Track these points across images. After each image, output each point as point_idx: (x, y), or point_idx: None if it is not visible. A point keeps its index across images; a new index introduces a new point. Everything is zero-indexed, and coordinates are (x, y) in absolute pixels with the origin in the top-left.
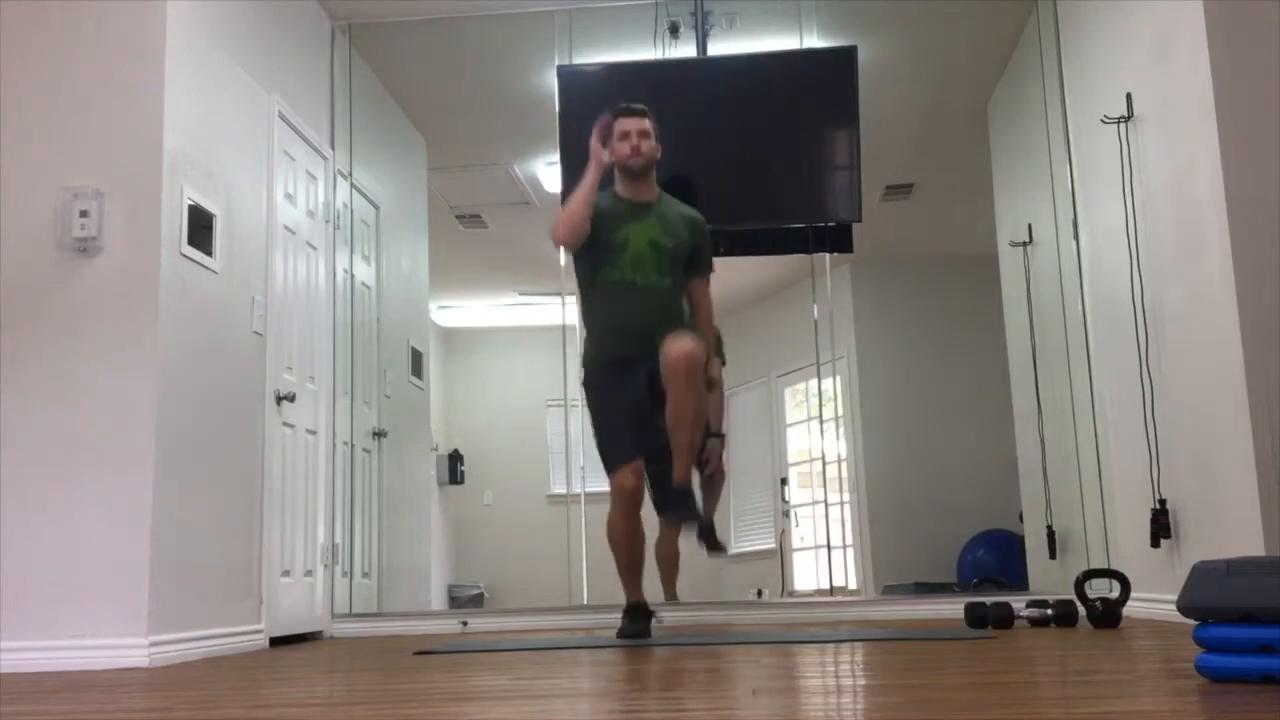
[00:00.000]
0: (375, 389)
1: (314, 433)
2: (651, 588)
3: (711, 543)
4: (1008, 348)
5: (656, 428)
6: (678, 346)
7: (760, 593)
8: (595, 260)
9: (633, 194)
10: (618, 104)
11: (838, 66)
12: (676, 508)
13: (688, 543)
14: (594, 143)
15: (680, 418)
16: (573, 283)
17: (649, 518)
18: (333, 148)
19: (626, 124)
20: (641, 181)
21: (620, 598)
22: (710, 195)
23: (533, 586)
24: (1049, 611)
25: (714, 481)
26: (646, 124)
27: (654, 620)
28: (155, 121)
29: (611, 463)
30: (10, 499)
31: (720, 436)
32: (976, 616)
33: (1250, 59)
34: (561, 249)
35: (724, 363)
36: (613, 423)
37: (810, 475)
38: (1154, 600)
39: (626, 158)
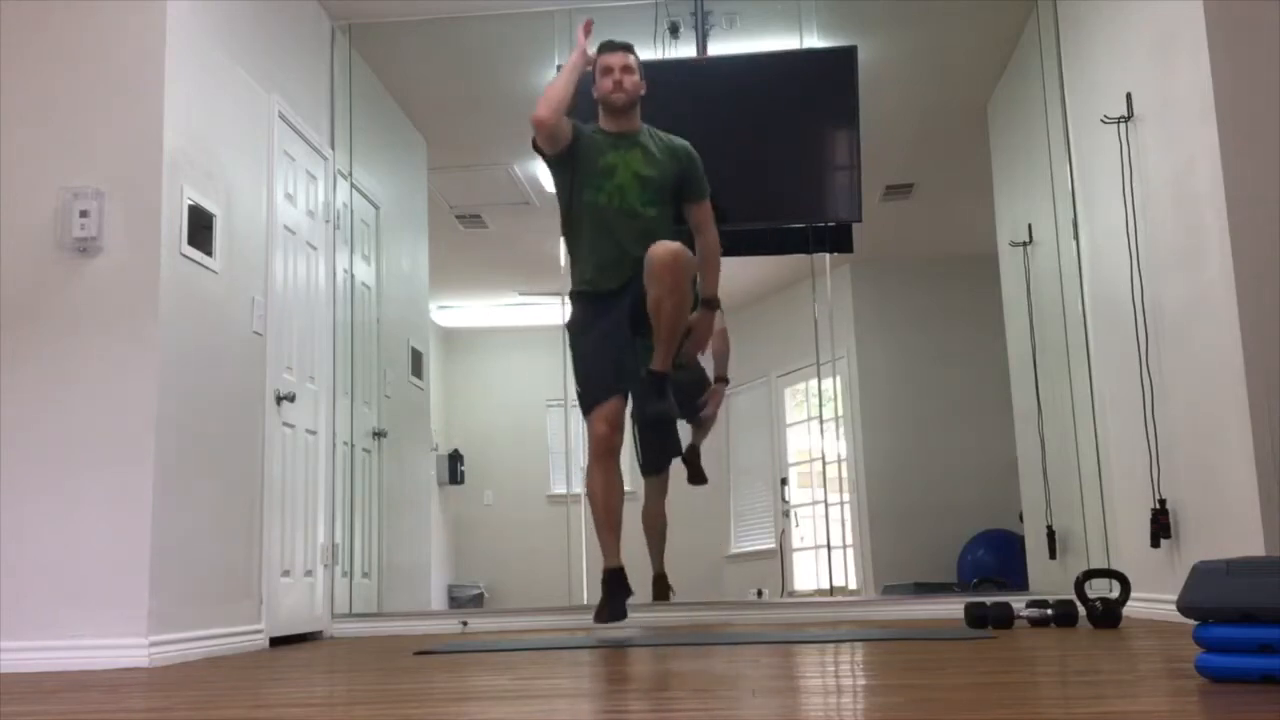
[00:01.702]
0: (375, 389)
1: (314, 433)
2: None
3: (694, 470)
4: (1008, 348)
5: (633, 370)
6: (664, 247)
7: (760, 593)
8: (577, 181)
9: (616, 127)
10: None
11: (838, 66)
12: (649, 397)
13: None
14: (579, 33)
15: (660, 308)
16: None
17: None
18: (333, 148)
19: (609, 59)
20: (625, 116)
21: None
22: (710, 195)
23: (533, 586)
24: (1049, 611)
25: (705, 422)
26: (630, 59)
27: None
28: (155, 121)
29: (586, 405)
30: (10, 499)
31: (725, 380)
32: (976, 616)
33: (1250, 59)
34: (539, 140)
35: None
36: (590, 364)
37: (810, 475)
38: (1154, 600)
39: (609, 92)
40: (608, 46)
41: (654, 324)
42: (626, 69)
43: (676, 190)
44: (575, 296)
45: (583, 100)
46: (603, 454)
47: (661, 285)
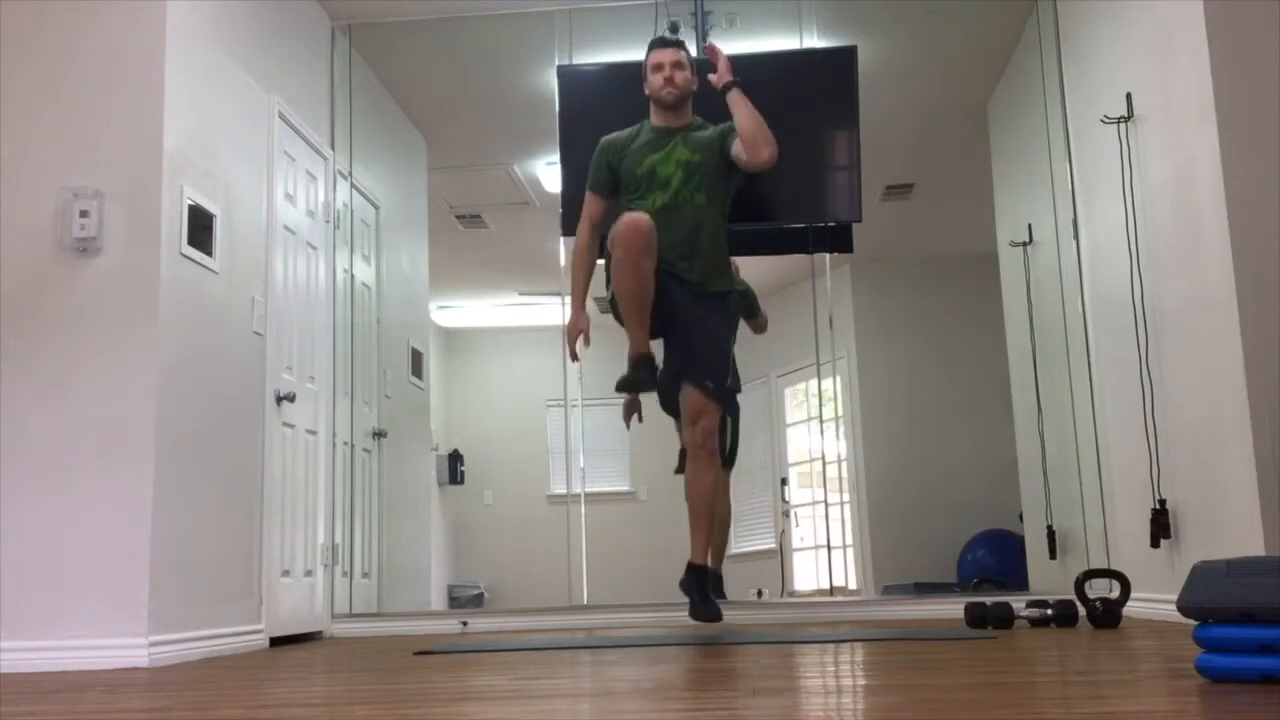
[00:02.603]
0: (375, 389)
1: (314, 433)
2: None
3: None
4: (1008, 348)
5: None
6: (696, 413)
7: (760, 593)
8: (626, 197)
9: (665, 122)
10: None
11: (838, 66)
12: (694, 597)
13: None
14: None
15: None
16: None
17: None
18: (333, 148)
19: (660, 55)
20: (676, 112)
21: (623, 596)
22: None
23: (533, 586)
24: (1049, 611)
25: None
26: (681, 55)
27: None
28: (155, 121)
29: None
30: (10, 499)
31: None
32: (976, 616)
33: (1250, 59)
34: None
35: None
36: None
37: (810, 475)
38: (1154, 600)
39: (660, 89)
40: (659, 43)
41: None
42: (677, 65)
43: (724, 170)
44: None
45: (633, 98)
46: (634, 242)
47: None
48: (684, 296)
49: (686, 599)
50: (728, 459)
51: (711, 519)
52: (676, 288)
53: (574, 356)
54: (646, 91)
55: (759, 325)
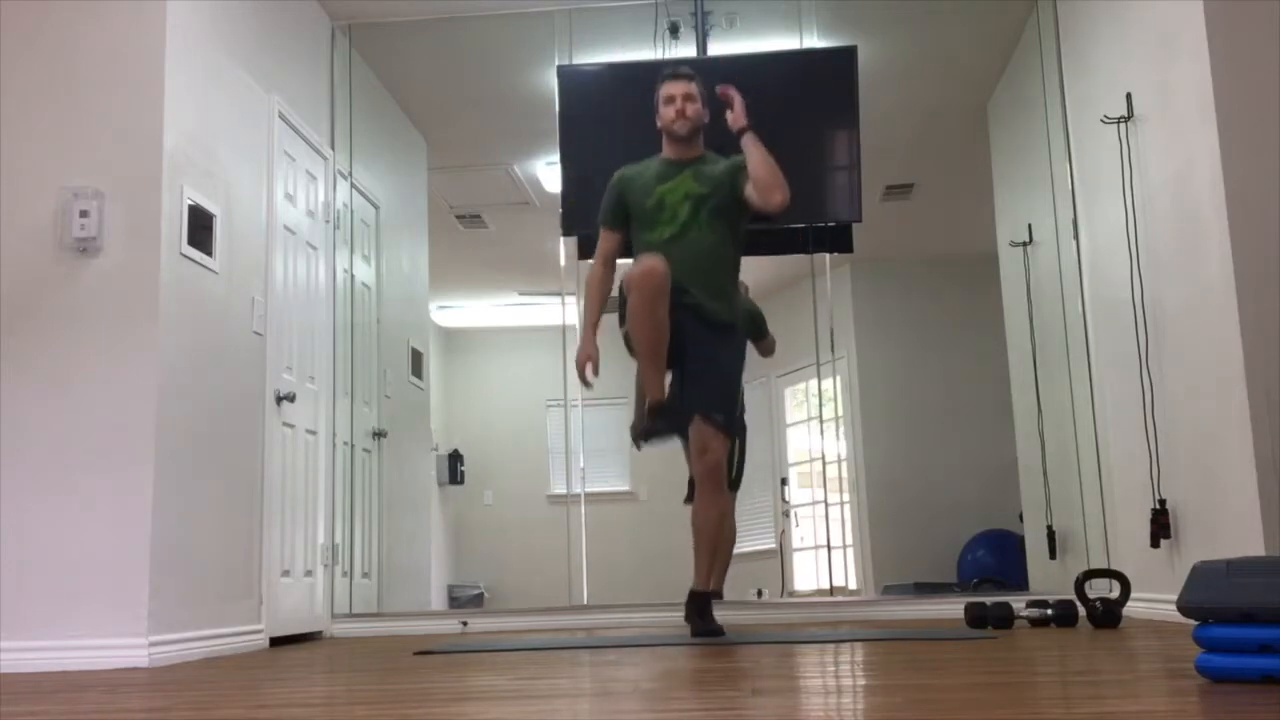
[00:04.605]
0: (375, 389)
1: (314, 433)
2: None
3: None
4: (1008, 348)
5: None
6: (704, 451)
7: (760, 593)
8: (639, 228)
9: (677, 155)
10: (664, 69)
11: (838, 66)
12: (694, 622)
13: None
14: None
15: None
16: (573, 283)
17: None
18: (333, 148)
19: (671, 88)
20: (687, 144)
21: (623, 596)
22: None
23: (533, 586)
24: (1049, 611)
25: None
26: (692, 87)
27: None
28: (155, 121)
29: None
30: (10, 499)
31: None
32: (976, 616)
33: (1250, 59)
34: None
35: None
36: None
37: (810, 475)
38: (1154, 600)
39: (672, 122)
40: (670, 75)
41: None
42: (689, 97)
43: (733, 205)
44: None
45: (633, 98)
46: (648, 285)
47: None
48: (694, 328)
49: (687, 599)
50: (734, 482)
51: (715, 549)
52: (686, 319)
53: (585, 384)
54: (659, 124)
55: (766, 348)
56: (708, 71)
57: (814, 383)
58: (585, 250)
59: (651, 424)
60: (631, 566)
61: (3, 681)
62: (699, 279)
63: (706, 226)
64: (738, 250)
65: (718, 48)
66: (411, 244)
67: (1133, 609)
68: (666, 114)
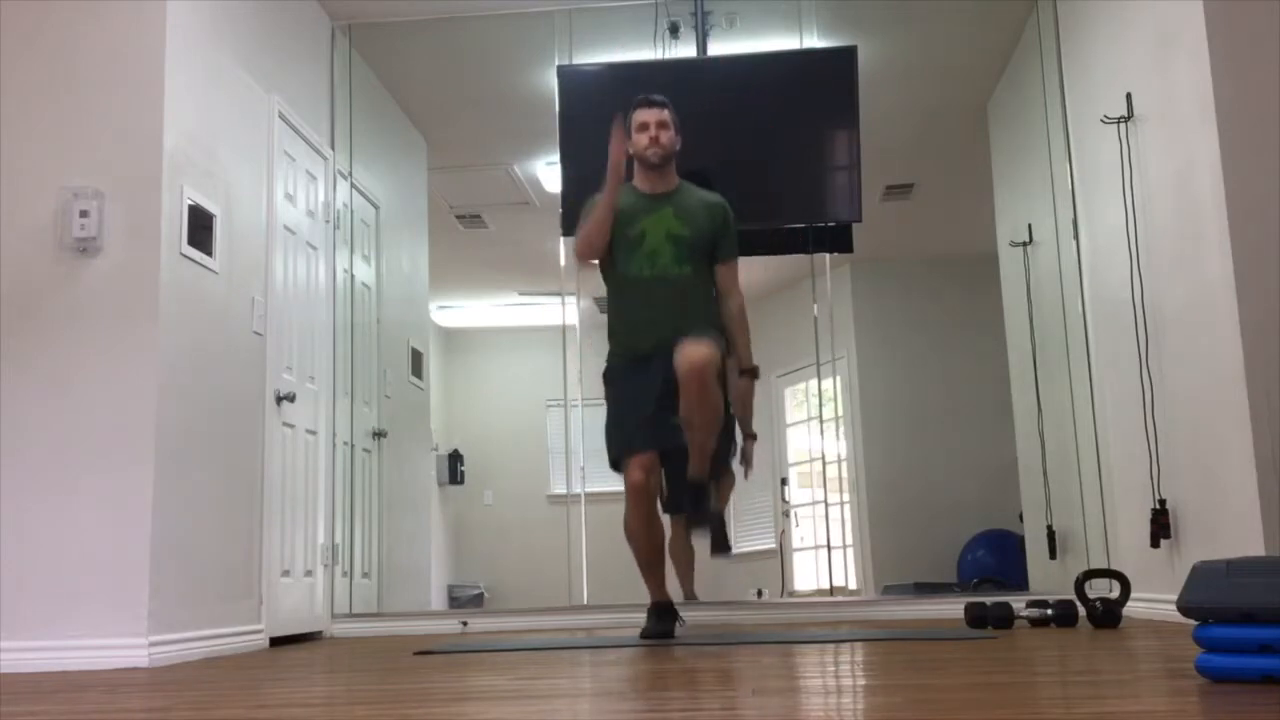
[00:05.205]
0: (375, 389)
1: (314, 433)
2: (671, 587)
3: (719, 543)
4: (1008, 348)
5: (673, 426)
6: (689, 357)
7: (760, 593)
8: (616, 255)
9: (650, 186)
10: (636, 96)
11: (838, 66)
12: (688, 508)
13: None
14: (613, 154)
15: (692, 422)
16: (573, 283)
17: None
18: (333, 148)
19: (645, 115)
20: (660, 173)
21: (623, 596)
22: None
23: (533, 586)
24: (1049, 611)
25: (724, 481)
26: (666, 115)
27: (679, 624)
28: (155, 121)
29: (617, 455)
30: (10, 499)
31: (753, 437)
32: (976, 616)
33: (1250, 59)
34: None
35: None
36: (624, 418)
37: (810, 475)
38: (1154, 600)
39: (645, 149)
40: (644, 102)
41: (687, 434)
42: (662, 125)
43: (709, 248)
44: (611, 363)
45: (632, 98)
46: (639, 501)
47: (689, 397)
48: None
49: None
50: (704, 517)
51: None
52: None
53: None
54: (630, 151)
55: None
56: (708, 71)
57: (814, 383)
58: None
59: (654, 625)
60: (631, 566)
61: (3, 681)
62: (684, 320)
63: (688, 264)
64: (711, 283)
65: (717, 48)
66: (411, 244)
67: (1133, 609)
68: (640, 140)
